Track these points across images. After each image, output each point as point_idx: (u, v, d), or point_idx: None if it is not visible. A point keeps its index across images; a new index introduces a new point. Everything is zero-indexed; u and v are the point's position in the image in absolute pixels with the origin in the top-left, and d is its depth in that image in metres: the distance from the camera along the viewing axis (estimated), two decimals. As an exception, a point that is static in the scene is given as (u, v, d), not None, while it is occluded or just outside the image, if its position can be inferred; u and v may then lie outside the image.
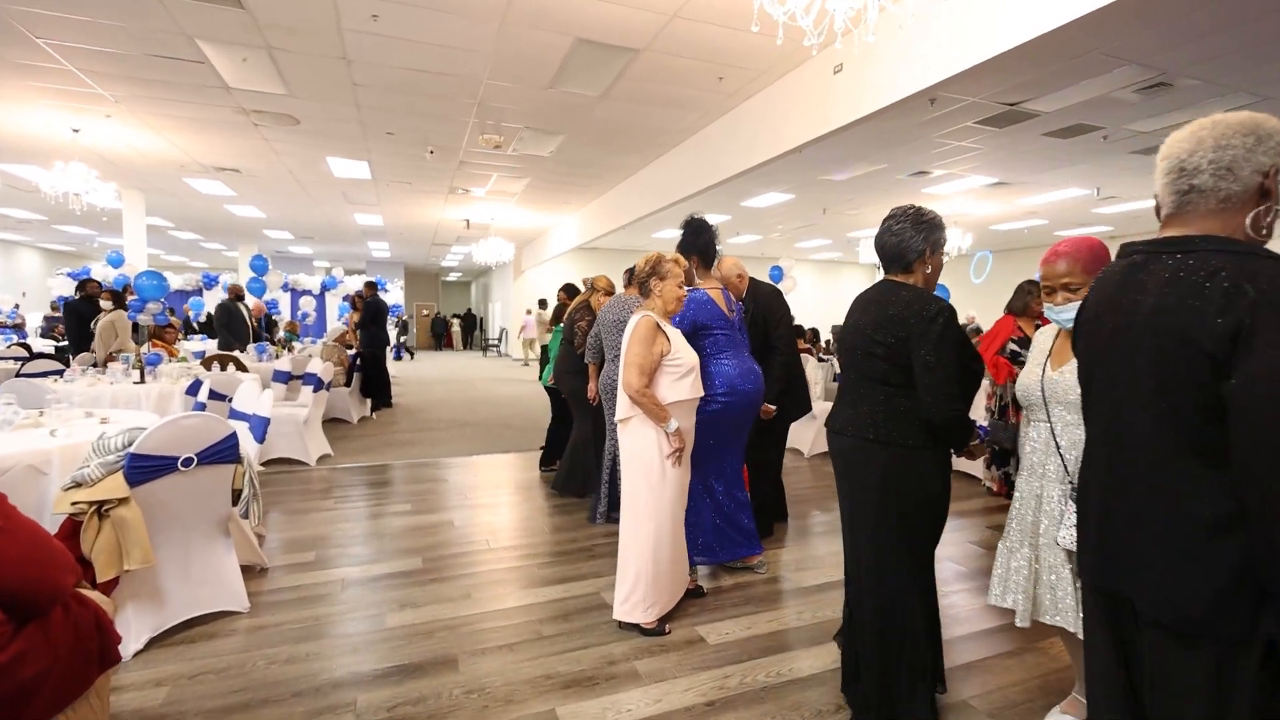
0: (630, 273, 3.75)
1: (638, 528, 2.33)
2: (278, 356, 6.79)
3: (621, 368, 2.28)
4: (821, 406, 5.48)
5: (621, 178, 8.54)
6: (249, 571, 2.82)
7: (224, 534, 2.43)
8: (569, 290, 5.41)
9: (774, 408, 3.18)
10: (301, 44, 4.42)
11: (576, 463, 4.22)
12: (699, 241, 2.88)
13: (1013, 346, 4.16)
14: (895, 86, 3.98)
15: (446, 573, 2.95)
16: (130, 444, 2.03)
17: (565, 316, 4.38)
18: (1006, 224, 11.72)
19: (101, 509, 1.94)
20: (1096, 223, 11.67)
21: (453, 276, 26.45)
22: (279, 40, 4.36)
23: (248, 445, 2.84)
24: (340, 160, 7.57)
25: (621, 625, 2.40)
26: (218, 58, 4.65)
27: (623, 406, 2.32)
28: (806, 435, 5.63)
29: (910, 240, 1.76)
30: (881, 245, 1.84)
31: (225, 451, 2.27)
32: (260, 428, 2.90)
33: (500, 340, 19.87)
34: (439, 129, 6.35)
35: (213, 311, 9.26)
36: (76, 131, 6.36)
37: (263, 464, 4.91)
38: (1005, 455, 4.26)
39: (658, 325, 2.30)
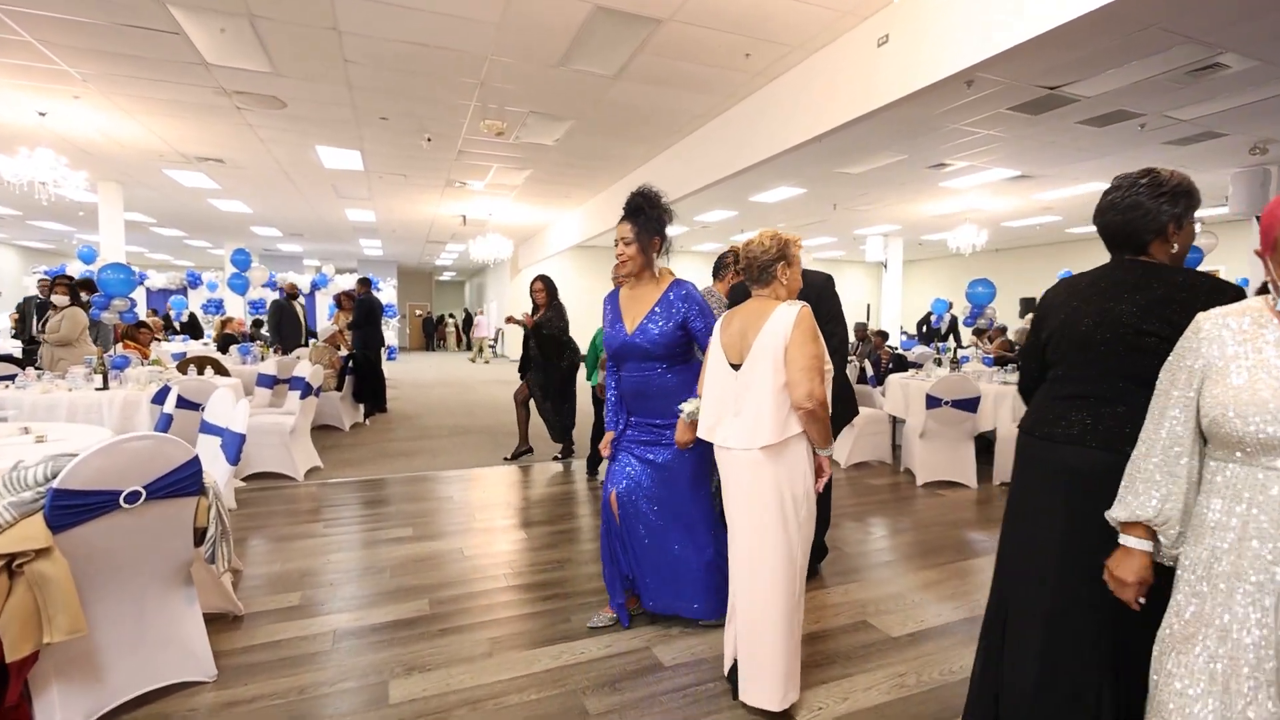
0: (724, 261, 3.35)
1: (777, 581, 1.80)
2: (263, 358, 6.29)
3: (795, 373, 1.76)
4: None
5: (628, 170, 8.09)
6: (219, 621, 2.36)
7: (184, 584, 1.97)
8: (545, 282, 5.10)
9: None
10: (286, 11, 3.95)
11: None
12: (664, 220, 2.33)
13: None
14: (946, 59, 3.57)
15: (460, 620, 2.49)
16: (53, 476, 1.57)
17: None
18: (1020, 220, 11.39)
19: (12, 564, 1.48)
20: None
21: (447, 276, 25.95)
22: (261, 7, 3.89)
23: (217, 469, 2.38)
24: (330, 149, 7.08)
25: (755, 711, 1.88)
26: (193, 28, 4.17)
27: (777, 427, 1.78)
28: (843, 444, 5.20)
29: (1148, 213, 1.42)
30: (1106, 223, 1.49)
31: (184, 481, 1.81)
32: (234, 445, 2.44)
33: (496, 341, 19.44)
34: (437, 114, 5.88)
35: (263, 312, 8.95)
36: (43, 115, 5.85)
37: (244, 479, 4.43)
38: None
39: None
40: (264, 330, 10.22)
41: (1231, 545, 1.03)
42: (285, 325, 7.68)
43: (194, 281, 14.06)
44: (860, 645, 2.31)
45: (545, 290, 5.06)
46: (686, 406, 2.12)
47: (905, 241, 13.94)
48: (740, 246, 2.04)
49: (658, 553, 2.34)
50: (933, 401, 4.41)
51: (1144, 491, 1.17)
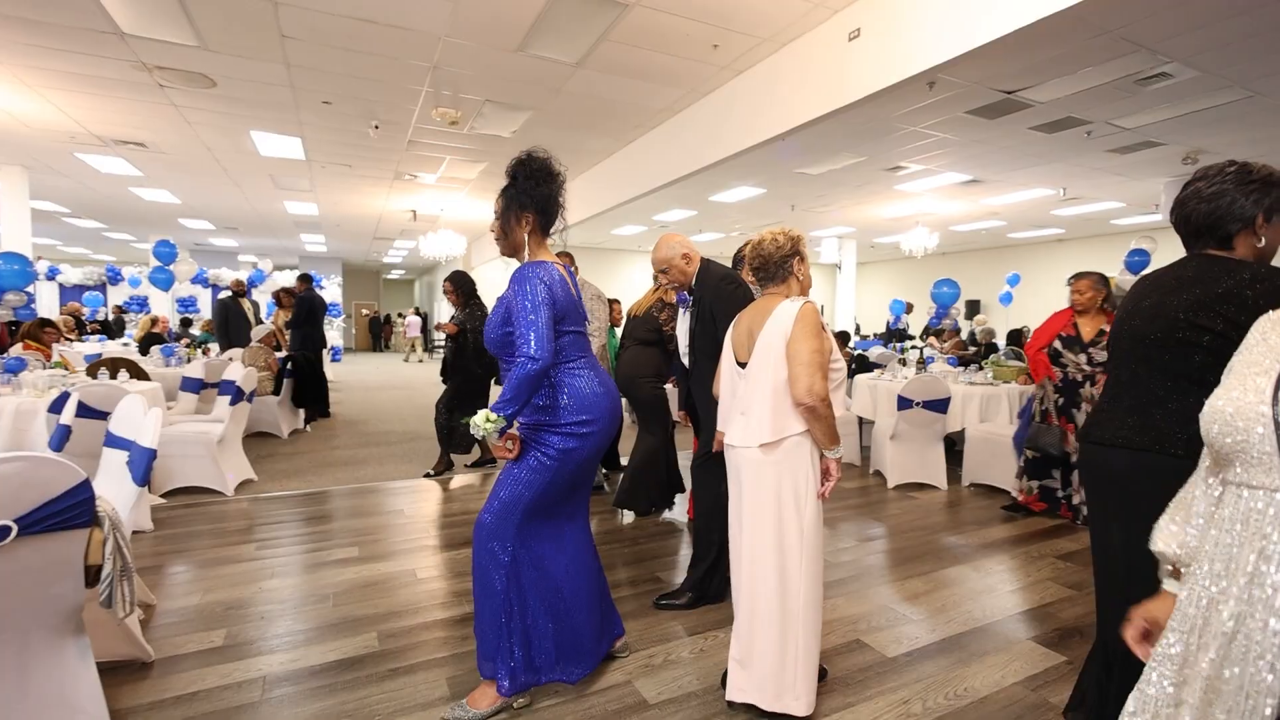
0: (741, 254, 3.27)
1: (788, 585, 1.76)
2: (189, 360, 5.75)
3: (795, 368, 1.71)
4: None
5: (590, 165, 7.85)
6: (124, 671, 2.01)
7: (74, 633, 1.63)
8: (456, 281, 4.82)
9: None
10: (213, -26, 3.56)
11: (648, 477, 3.80)
12: (539, 192, 1.91)
13: (1057, 344, 3.76)
14: (916, 56, 3.53)
15: (412, 657, 2.19)
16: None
17: (642, 312, 3.79)
18: (967, 224, 11.72)
19: None
20: (1052, 224, 11.82)
21: (396, 274, 25.03)
22: (183, -33, 3.49)
23: (119, 492, 2.03)
24: (267, 135, 6.57)
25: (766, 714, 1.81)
26: (103, -11, 3.72)
27: (776, 424, 1.74)
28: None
29: (1235, 202, 1.33)
30: (1187, 215, 1.39)
31: (68, 512, 1.49)
32: (142, 462, 2.08)
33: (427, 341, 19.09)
34: (386, 99, 5.51)
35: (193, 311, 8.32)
36: (-73, 88, 5.19)
37: (164, 495, 3.98)
38: (1047, 463, 3.83)
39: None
40: (192, 330, 9.50)
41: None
42: (233, 325, 7.17)
43: (114, 277, 13.01)
44: (858, 669, 2.15)
45: (455, 291, 4.77)
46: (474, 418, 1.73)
47: (859, 244, 14.18)
48: (750, 245, 1.98)
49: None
50: (904, 403, 4.35)
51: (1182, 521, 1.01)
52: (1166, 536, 1.02)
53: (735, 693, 1.85)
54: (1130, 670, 1.33)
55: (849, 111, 4.11)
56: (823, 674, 2.00)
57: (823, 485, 1.81)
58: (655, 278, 3.01)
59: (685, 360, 2.79)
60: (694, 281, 2.63)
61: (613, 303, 5.41)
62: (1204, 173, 1.40)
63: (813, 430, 1.75)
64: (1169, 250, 1.53)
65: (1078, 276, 3.81)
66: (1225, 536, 0.87)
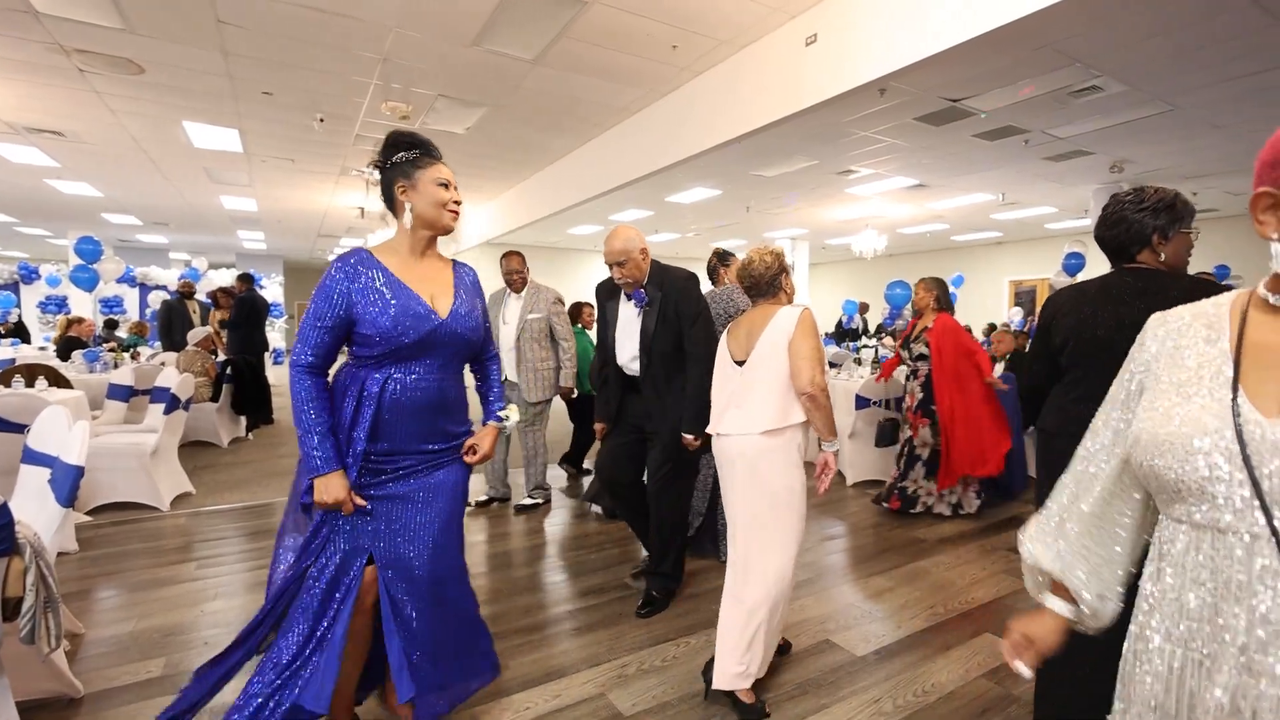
0: (714, 267, 3.48)
1: (769, 561, 1.93)
2: (116, 365, 5.37)
3: (798, 362, 1.92)
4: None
5: (546, 163, 7.74)
6: (50, 709, 1.83)
7: (-10, 674, 1.47)
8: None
9: (695, 439, 2.42)
10: (141, -48, 3.32)
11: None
12: (394, 159, 1.74)
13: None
14: (869, 63, 3.63)
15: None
16: None
17: None
18: (914, 227, 12.13)
19: None
20: (991, 228, 12.35)
21: (340, 273, 24.12)
22: (107, -57, 3.24)
23: (40, 514, 1.85)
24: (201, 126, 6.20)
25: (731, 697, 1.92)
26: (14, -37, 3.42)
27: (780, 413, 1.94)
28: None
29: (1132, 227, 1.56)
30: (1100, 238, 1.64)
31: (-15, 542, 1.34)
32: (67, 481, 1.90)
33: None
34: (332, 91, 5.27)
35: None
36: None
37: (90, 512, 3.69)
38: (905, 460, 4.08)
39: None
40: (119, 333, 8.91)
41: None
42: (176, 327, 6.82)
43: (28, 276, 12.07)
44: (829, 669, 2.17)
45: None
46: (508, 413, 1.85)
47: (811, 245, 14.49)
48: (740, 267, 2.15)
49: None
50: (861, 402, 4.44)
51: None
52: (1043, 550, 0.91)
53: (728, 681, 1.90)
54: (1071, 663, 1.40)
55: (805, 115, 4.17)
56: (786, 648, 2.25)
57: (822, 478, 1.99)
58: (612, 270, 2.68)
59: (630, 362, 2.61)
60: (648, 280, 2.53)
61: (584, 305, 5.31)
62: (1112, 199, 1.63)
63: (813, 419, 1.94)
64: (1100, 254, 1.67)
65: (921, 281, 4.18)
66: (1191, 588, 0.72)
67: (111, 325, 9.30)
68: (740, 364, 2.04)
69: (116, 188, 8.93)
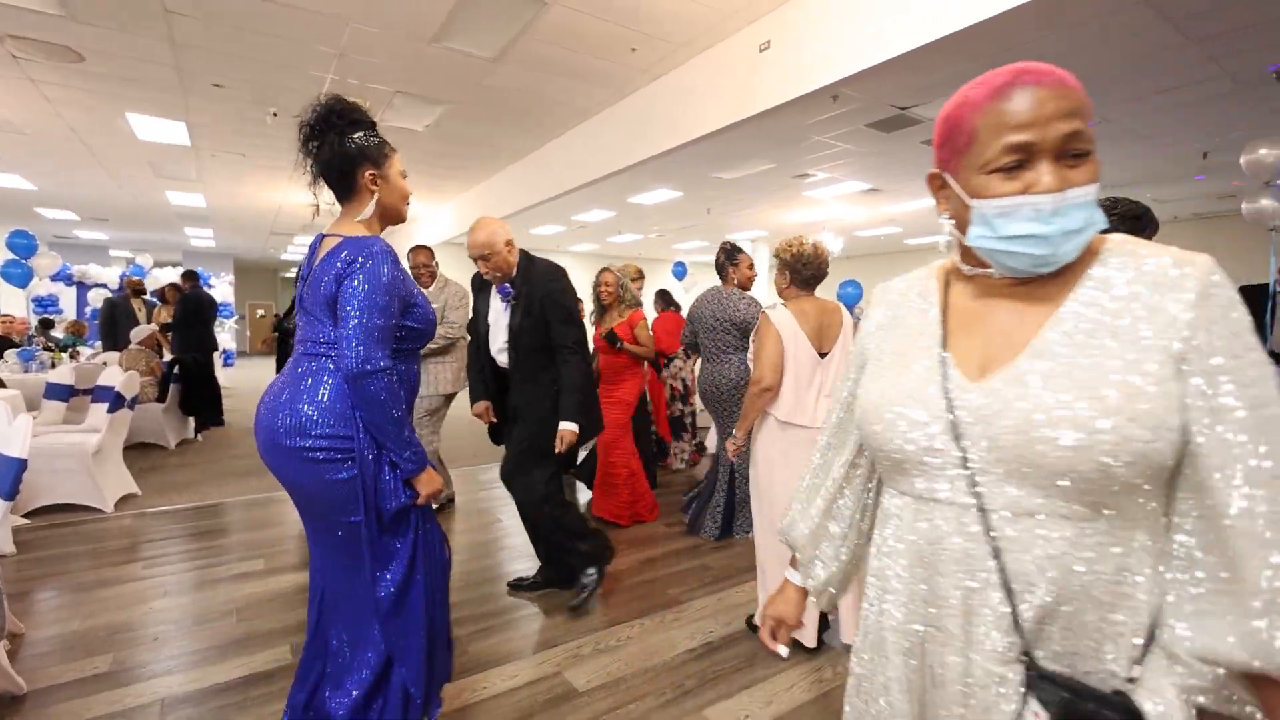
0: (720, 264, 3.52)
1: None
2: (53, 365, 5.15)
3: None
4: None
5: (506, 163, 7.73)
6: (-9, 705, 1.80)
7: (-70, 666, 1.44)
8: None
9: (575, 430, 2.32)
10: (83, -64, 3.23)
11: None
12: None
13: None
14: (821, 70, 3.76)
15: (329, 665, 2.10)
16: None
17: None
18: (868, 230, 12.51)
19: None
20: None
21: (294, 272, 23.46)
22: (46, -74, 3.14)
23: (-15, 507, 1.81)
24: (145, 119, 5.99)
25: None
26: (-57, -57, 3.28)
27: (791, 406, 2.23)
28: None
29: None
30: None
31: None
32: (10, 474, 1.86)
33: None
34: (286, 84, 5.17)
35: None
36: None
37: (28, 515, 3.55)
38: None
39: None
40: (54, 332, 8.50)
41: None
42: (120, 326, 6.61)
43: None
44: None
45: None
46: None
47: (771, 246, 14.78)
48: (791, 256, 2.28)
49: None
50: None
51: None
52: (803, 526, 0.92)
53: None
54: None
55: (762, 119, 4.30)
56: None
57: None
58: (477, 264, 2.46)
59: (499, 354, 2.54)
60: (516, 274, 2.41)
61: None
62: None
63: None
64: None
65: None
66: (913, 559, 0.72)
67: (47, 325, 8.86)
68: (824, 356, 2.22)
69: (52, 181, 8.52)
